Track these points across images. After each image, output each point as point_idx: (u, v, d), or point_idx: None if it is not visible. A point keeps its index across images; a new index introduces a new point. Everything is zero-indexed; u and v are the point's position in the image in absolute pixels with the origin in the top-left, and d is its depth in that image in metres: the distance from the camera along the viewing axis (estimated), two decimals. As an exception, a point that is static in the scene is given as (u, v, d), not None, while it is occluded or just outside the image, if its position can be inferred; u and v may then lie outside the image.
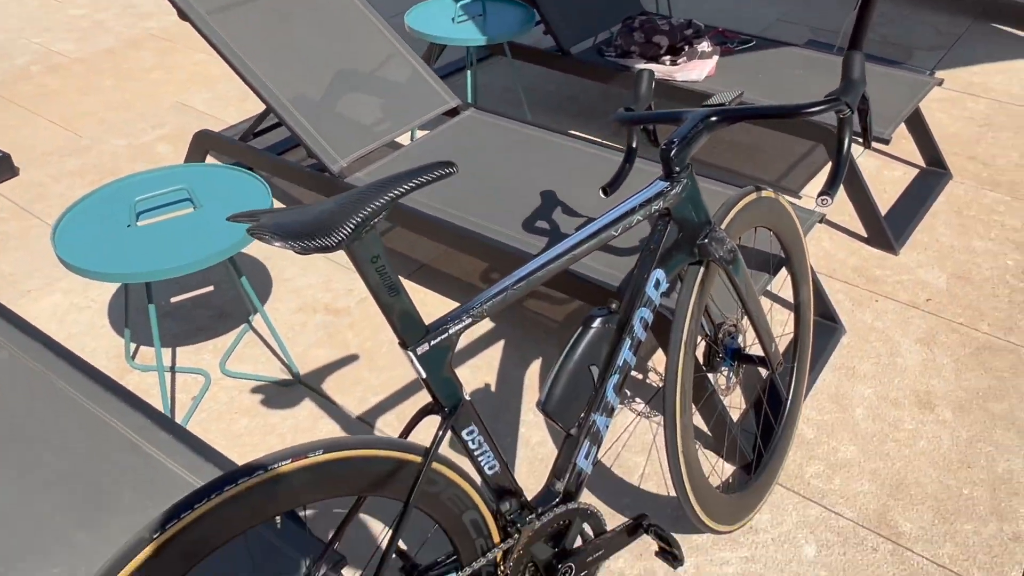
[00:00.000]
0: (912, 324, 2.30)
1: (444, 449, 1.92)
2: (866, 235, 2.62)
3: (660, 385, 2.10)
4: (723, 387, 1.73)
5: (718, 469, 1.88)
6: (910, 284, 2.45)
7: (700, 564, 1.68)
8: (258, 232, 0.92)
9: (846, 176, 2.55)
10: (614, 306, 1.34)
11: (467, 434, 1.19)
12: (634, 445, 1.94)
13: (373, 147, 2.39)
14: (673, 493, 1.83)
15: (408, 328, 1.08)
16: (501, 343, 2.24)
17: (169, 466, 1.45)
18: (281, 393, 2.09)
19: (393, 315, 1.06)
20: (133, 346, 2.25)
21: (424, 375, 1.11)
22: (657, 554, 1.43)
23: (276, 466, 1.00)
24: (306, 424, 2.00)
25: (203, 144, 2.61)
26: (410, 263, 2.55)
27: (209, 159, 2.89)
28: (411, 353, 1.09)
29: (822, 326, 2.25)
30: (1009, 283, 2.45)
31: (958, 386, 2.10)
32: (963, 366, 2.16)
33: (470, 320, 1.14)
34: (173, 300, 2.42)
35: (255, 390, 2.10)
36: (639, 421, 2.00)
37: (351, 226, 0.94)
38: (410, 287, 2.45)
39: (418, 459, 1.12)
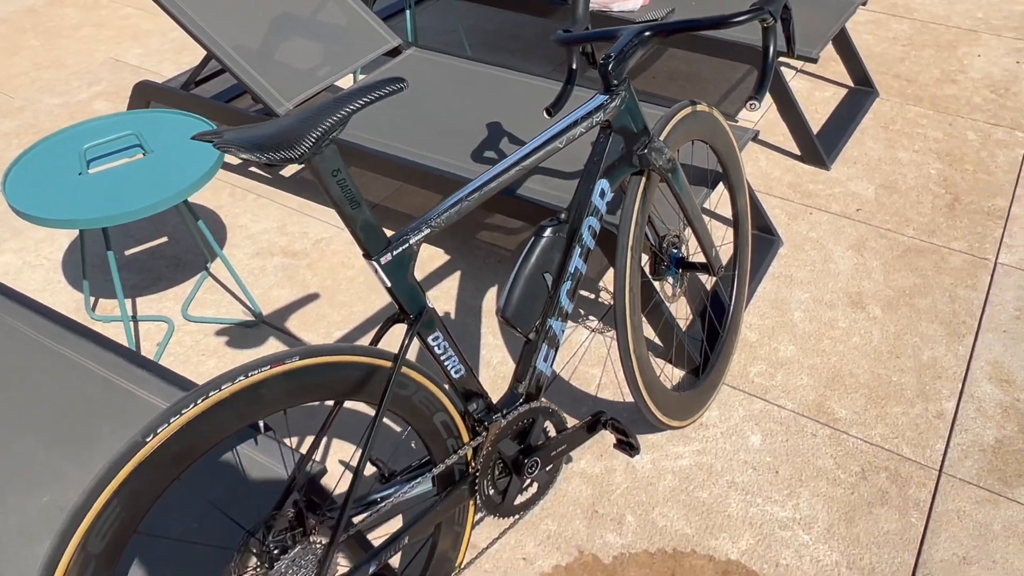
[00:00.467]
0: (844, 232, 2.44)
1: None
2: (800, 153, 2.74)
3: (612, 302, 2.20)
4: (669, 295, 1.84)
5: (667, 374, 2.00)
6: (841, 196, 2.58)
7: (656, 459, 1.80)
8: (224, 145, 0.97)
9: (781, 100, 2.66)
10: (563, 216, 1.42)
11: (433, 340, 1.27)
12: (589, 359, 2.05)
13: (318, 89, 2.41)
14: (629, 399, 1.94)
15: (371, 239, 1.15)
16: (457, 274, 2.31)
17: (145, 398, 1.50)
18: (245, 334, 2.13)
19: (356, 227, 1.12)
20: (92, 299, 2.26)
21: (389, 284, 1.18)
22: (615, 446, 1.54)
23: (257, 372, 1.07)
24: (273, 361, 2.05)
25: (144, 95, 2.59)
26: (363, 204, 2.59)
27: (150, 112, 2.86)
28: (375, 263, 1.16)
29: (761, 239, 2.38)
30: (932, 190, 2.60)
31: (886, 286, 2.25)
32: (891, 268, 2.31)
33: (428, 230, 1.21)
34: (128, 252, 2.42)
35: (219, 332, 2.14)
36: (593, 337, 2.11)
37: (313, 138, 0.99)
38: (364, 226, 2.49)
39: (388, 364, 1.20)
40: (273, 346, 2.10)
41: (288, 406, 1.12)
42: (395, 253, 1.17)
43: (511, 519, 1.65)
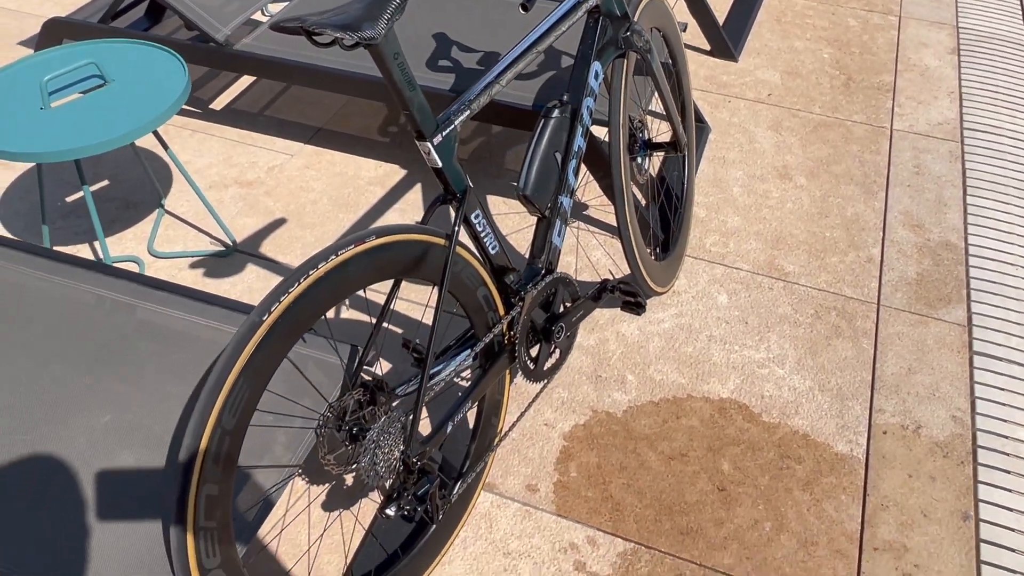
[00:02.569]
0: (761, 115, 2.68)
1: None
2: (710, 48, 2.95)
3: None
4: (637, 176, 2.00)
5: (636, 254, 2.18)
6: (753, 84, 2.82)
7: (641, 326, 1.99)
8: (317, 27, 1.01)
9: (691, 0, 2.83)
10: (565, 98, 1.53)
11: (474, 218, 1.37)
12: (563, 248, 2.19)
13: (253, 10, 2.36)
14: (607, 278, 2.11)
15: (425, 120, 1.22)
16: (419, 186, 2.38)
17: (174, 315, 1.52)
18: (221, 263, 2.13)
19: (413, 108, 1.20)
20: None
21: (440, 164, 1.27)
22: (623, 307, 1.71)
23: (344, 251, 1.14)
24: (258, 285, 2.08)
25: (57, 34, 2.44)
26: (306, 130, 2.59)
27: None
28: (430, 143, 1.24)
29: (694, 127, 2.57)
30: (828, 72, 2.88)
31: (806, 158, 2.51)
32: (806, 142, 2.57)
33: (468, 111, 1.30)
34: (69, 199, 2.33)
35: (194, 265, 2.13)
36: (561, 229, 2.25)
37: (387, 17, 1.06)
38: (315, 151, 2.50)
39: (443, 241, 1.29)
40: (252, 272, 2.11)
41: (366, 284, 1.20)
42: (444, 134, 1.25)
43: (539, 385, 1.79)
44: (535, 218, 1.67)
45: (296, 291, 1.08)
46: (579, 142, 1.56)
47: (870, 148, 2.54)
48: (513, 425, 1.56)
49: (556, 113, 1.50)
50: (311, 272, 1.10)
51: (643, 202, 2.31)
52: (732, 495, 1.65)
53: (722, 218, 2.30)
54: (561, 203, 1.56)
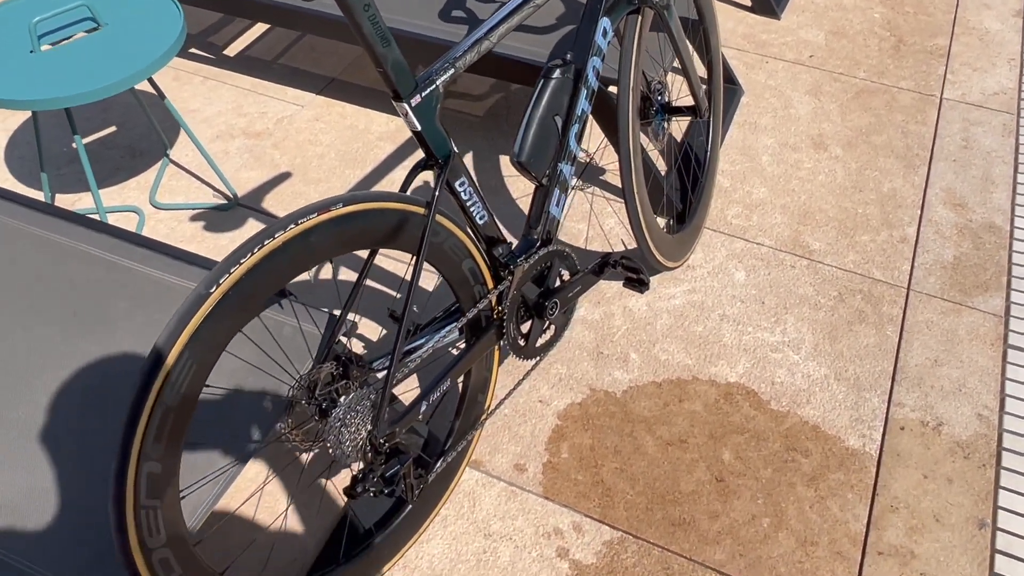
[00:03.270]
0: (800, 79, 2.50)
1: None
2: (750, 4, 2.77)
3: (588, 160, 2.23)
4: (654, 142, 1.88)
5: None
6: (794, 44, 2.64)
7: (651, 301, 1.89)
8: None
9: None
10: (569, 57, 1.42)
11: (459, 185, 1.27)
12: (574, 215, 2.09)
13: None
14: (618, 249, 2.01)
15: (401, 80, 1.13)
16: (429, 143, 2.28)
17: (153, 274, 1.47)
18: (222, 217, 2.08)
19: (387, 66, 1.10)
20: (52, 195, 2.14)
21: (419, 127, 1.17)
22: (625, 284, 1.61)
23: (305, 220, 1.06)
24: (257, 241, 2.02)
25: (66, -28, 2.37)
26: (318, 80, 2.50)
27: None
28: (406, 105, 1.14)
29: (724, 89, 2.42)
30: (877, 33, 2.68)
31: (844, 126, 2.34)
32: (847, 109, 2.40)
33: (453, 70, 1.20)
34: (74, 145, 2.29)
35: (194, 218, 2.08)
36: (575, 194, 2.14)
37: (351, -36, 0.96)
38: (326, 103, 2.42)
39: (422, 210, 1.21)
40: (252, 227, 2.06)
41: (333, 255, 1.12)
42: (424, 95, 1.16)
43: (532, 362, 1.71)
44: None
45: (249, 262, 1.01)
46: (583, 105, 1.44)
47: (916, 118, 2.36)
48: (502, 401, 1.48)
49: (557, 73, 1.39)
50: (267, 242, 1.02)
51: (662, 169, 2.18)
52: (731, 487, 1.57)
53: (747, 188, 2.16)
54: (561, 171, 1.45)
